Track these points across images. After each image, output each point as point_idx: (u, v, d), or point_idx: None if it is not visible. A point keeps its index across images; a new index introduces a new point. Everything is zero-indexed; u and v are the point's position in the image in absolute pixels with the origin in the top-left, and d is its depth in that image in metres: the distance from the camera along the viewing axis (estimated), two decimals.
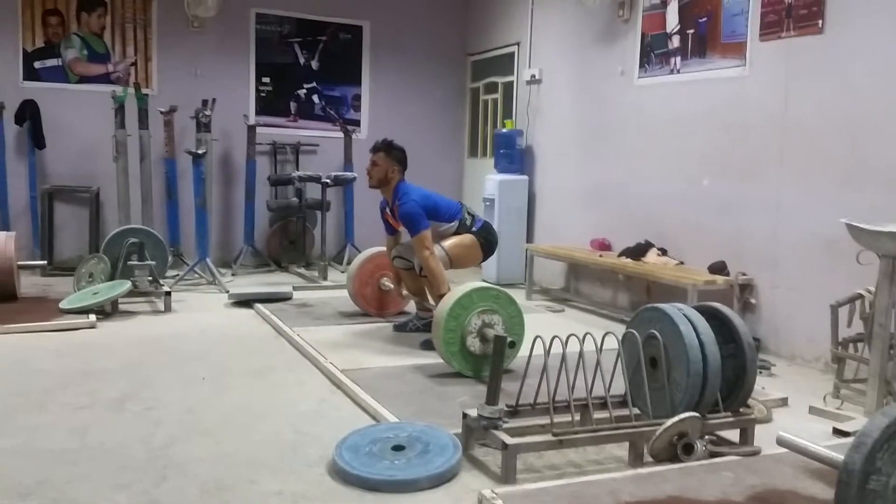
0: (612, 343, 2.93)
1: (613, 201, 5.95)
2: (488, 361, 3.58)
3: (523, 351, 2.93)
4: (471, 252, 4.49)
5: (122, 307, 5.25)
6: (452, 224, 4.48)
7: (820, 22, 4.24)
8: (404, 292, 4.87)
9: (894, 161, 3.90)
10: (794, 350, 4.43)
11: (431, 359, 4.19)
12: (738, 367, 2.92)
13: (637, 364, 2.95)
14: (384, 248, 5.01)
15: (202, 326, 4.95)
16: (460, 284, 3.96)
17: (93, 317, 4.90)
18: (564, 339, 2.85)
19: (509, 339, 3.55)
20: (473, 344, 3.75)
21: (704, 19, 5.07)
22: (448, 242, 4.43)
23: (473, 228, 4.52)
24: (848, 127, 4.14)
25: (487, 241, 4.54)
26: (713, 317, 2.99)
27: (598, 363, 2.92)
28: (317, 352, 4.22)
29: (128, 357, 4.17)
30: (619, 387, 3.01)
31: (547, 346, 2.84)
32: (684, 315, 2.90)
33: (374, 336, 4.70)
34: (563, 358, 2.86)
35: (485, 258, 4.64)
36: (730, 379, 2.93)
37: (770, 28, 4.55)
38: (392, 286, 4.99)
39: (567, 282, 6.49)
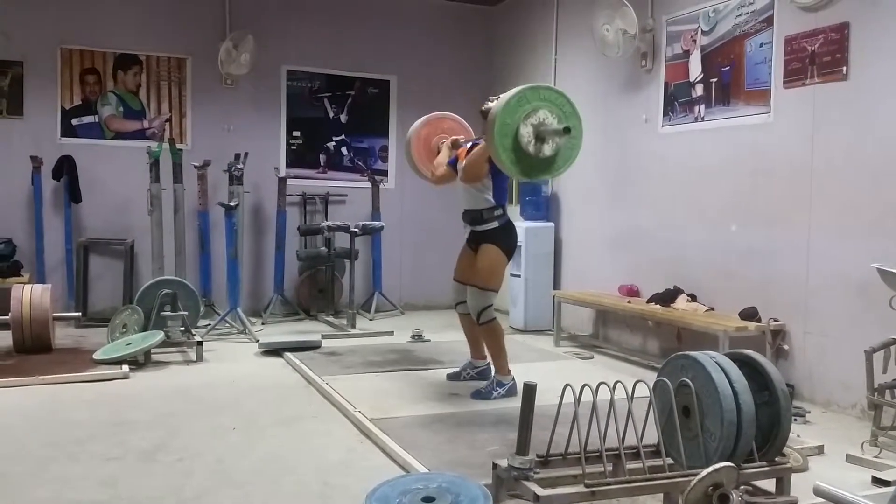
0: (642, 391, 2.90)
1: (641, 247, 5.95)
2: (546, 162, 3.85)
3: (553, 399, 2.90)
4: (500, 265, 4.45)
5: (154, 357, 5.31)
6: (494, 203, 4.44)
7: (844, 69, 4.26)
8: (462, 139, 4.88)
9: None
10: (829, 396, 4.35)
11: (460, 407, 4.18)
12: (773, 416, 2.87)
13: (669, 413, 2.92)
14: (432, 116, 5.14)
15: (233, 376, 4.98)
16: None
17: (126, 367, 4.96)
18: (595, 387, 2.84)
19: (563, 126, 3.77)
20: (531, 150, 3.80)
21: (727, 68, 5.12)
22: (481, 274, 4.43)
23: (497, 220, 4.43)
24: (876, 172, 4.13)
25: (508, 246, 4.47)
26: (745, 364, 2.96)
27: (629, 412, 2.89)
28: (346, 400, 4.22)
29: (159, 407, 4.21)
30: (652, 436, 2.97)
31: (577, 395, 2.82)
32: (716, 363, 2.88)
33: (403, 384, 4.70)
34: (594, 406, 2.84)
35: (509, 258, 4.57)
36: (764, 427, 2.88)
37: (794, 75, 4.58)
38: (448, 141, 4.93)
39: (595, 328, 6.45)
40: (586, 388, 2.83)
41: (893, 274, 3.10)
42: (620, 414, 2.85)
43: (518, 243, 4.67)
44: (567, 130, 3.80)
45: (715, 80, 5.24)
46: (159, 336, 5.30)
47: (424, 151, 5.15)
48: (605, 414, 2.83)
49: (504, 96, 3.93)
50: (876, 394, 3.52)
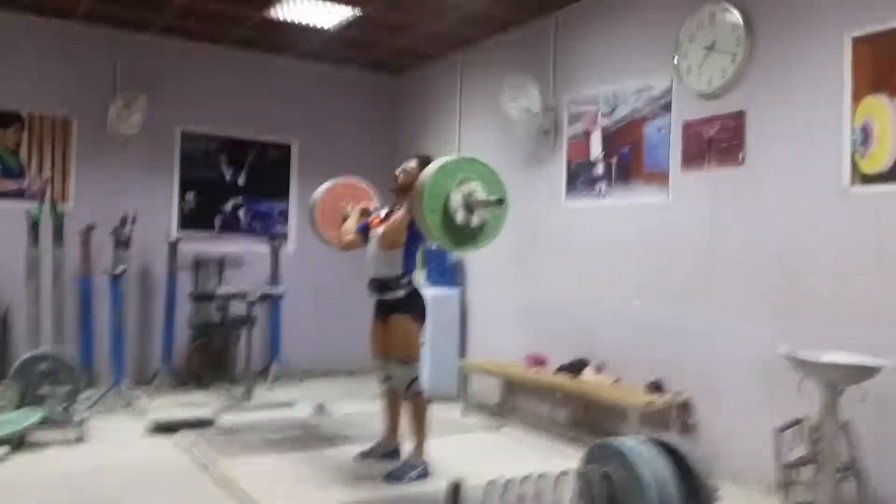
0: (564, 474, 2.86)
1: (548, 317, 6.00)
2: (474, 232, 3.95)
3: (480, 491, 2.81)
4: (414, 334, 4.40)
5: (32, 438, 4.85)
6: (402, 270, 4.39)
7: (741, 155, 4.51)
8: (373, 206, 4.90)
9: (821, 286, 4.09)
10: (736, 471, 4.43)
11: (371, 491, 4.02)
12: None
13: (593, 503, 2.88)
14: (337, 182, 5.14)
15: (118, 460, 4.59)
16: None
17: (1, 450, 4.51)
18: (519, 479, 2.78)
19: (496, 198, 3.90)
20: (460, 217, 3.87)
21: (627, 149, 5.32)
22: (399, 348, 4.35)
23: (404, 288, 4.39)
24: (772, 254, 4.34)
25: (418, 313, 4.44)
26: (667, 451, 2.97)
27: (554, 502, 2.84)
28: (245, 489, 3.96)
29: (37, 501, 3.82)
30: None
31: (503, 489, 2.75)
32: (640, 451, 2.87)
33: (307, 466, 4.47)
34: (520, 497, 2.79)
35: (422, 324, 4.49)
36: None
37: (692, 160, 4.80)
38: (351, 209, 4.91)
39: (503, 397, 6.41)
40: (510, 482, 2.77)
41: (802, 360, 3.23)
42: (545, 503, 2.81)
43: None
44: (500, 202, 3.92)
45: (615, 159, 5.42)
46: (37, 415, 4.86)
47: (330, 217, 5.06)
48: None
49: (440, 160, 4.00)
50: (785, 471, 3.64)
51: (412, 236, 4.34)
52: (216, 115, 7.47)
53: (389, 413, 4.64)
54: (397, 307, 4.38)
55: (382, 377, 4.60)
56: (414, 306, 4.42)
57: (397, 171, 4.56)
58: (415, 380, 4.35)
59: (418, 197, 3.87)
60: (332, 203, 5.09)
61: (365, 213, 4.82)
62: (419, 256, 6.85)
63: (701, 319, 4.73)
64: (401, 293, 4.38)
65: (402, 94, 8.21)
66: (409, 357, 4.36)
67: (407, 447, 4.46)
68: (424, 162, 4.36)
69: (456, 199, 3.86)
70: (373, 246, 4.49)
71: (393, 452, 4.57)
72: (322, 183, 5.21)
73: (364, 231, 4.62)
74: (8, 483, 4.08)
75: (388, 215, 4.50)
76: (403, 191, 4.45)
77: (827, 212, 4.10)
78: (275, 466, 4.48)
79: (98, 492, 4.03)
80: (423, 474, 4.24)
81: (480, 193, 3.90)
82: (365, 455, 4.61)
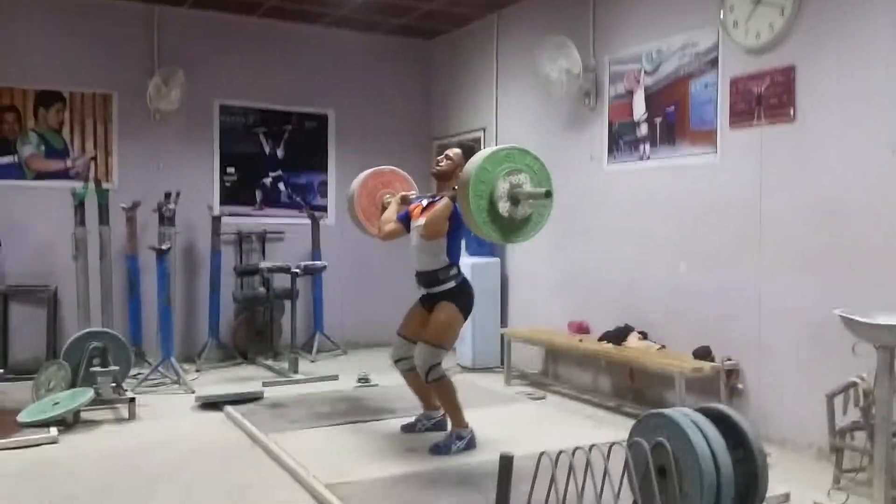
0: (614, 442, 2.81)
1: (590, 283, 5.91)
2: (518, 225, 3.84)
3: (517, 451, 2.77)
4: (456, 323, 4.31)
5: (84, 416, 4.96)
6: (449, 261, 4.31)
7: (791, 111, 4.33)
8: (413, 194, 4.80)
9: (873, 244, 3.95)
10: (785, 436, 4.36)
11: (419, 464, 4.01)
12: (749, 475, 2.82)
13: (646, 473, 2.84)
14: (373, 170, 5.04)
15: (170, 437, 4.67)
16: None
17: (54, 430, 4.61)
18: (570, 450, 2.74)
19: (544, 190, 3.77)
20: (504, 208, 3.77)
21: (672, 108, 5.16)
22: (435, 329, 4.27)
23: (454, 280, 4.30)
24: (825, 213, 4.19)
25: (465, 306, 4.34)
26: (719, 420, 2.91)
27: (605, 472, 2.80)
28: (297, 463, 4.00)
29: (93, 479, 3.89)
30: (628, 495, 2.88)
31: (554, 460, 2.72)
32: (692, 421, 2.81)
33: (356, 439, 4.49)
34: (571, 467, 2.76)
35: (466, 318, 4.42)
36: (740, 486, 2.82)
37: (740, 117, 4.63)
38: (393, 196, 4.85)
39: (545, 365, 6.38)
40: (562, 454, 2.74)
41: (858, 322, 3.12)
42: (596, 473, 2.77)
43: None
44: (548, 194, 3.78)
45: (659, 119, 5.27)
46: (89, 394, 4.95)
47: (369, 208, 5.01)
48: (580, 476, 2.74)
49: (490, 148, 3.90)
50: (837, 437, 3.54)
51: (455, 226, 4.24)
52: (253, 87, 7.46)
53: (415, 388, 4.56)
54: (445, 297, 4.28)
55: (395, 357, 4.51)
56: (463, 298, 4.32)
57: (440, 157, 4.47)
58: (435, 366, 4.21)
59: (465, 180, 3.78)
60: (371, 192, 5.03)
61: (405, 201, 4.73)
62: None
63: (748, 280, 4.60)
64: (451, 284, 4.29)
65: (438, 59, 8.09)
66: (439, 341, 4.22)
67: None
68: (468, 151, 4.29)
69: (502, 187, 3.76)
70: (415, 236, 4.39)
71: (439, 423, 4.55)
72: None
73: (405, 219, 4.54)
74: (63, 463, 4.17)
75: (429, 205, 4.39)
76: (445, 178, 4.36)
77: (881, 169, 3.92)
78: (323, 439, 4.50)
79: (150, 468, 4.10)
80: (470, 445, 4.21)
81: (527, 186, 3.79)
82: (408, 428, 4.60)
